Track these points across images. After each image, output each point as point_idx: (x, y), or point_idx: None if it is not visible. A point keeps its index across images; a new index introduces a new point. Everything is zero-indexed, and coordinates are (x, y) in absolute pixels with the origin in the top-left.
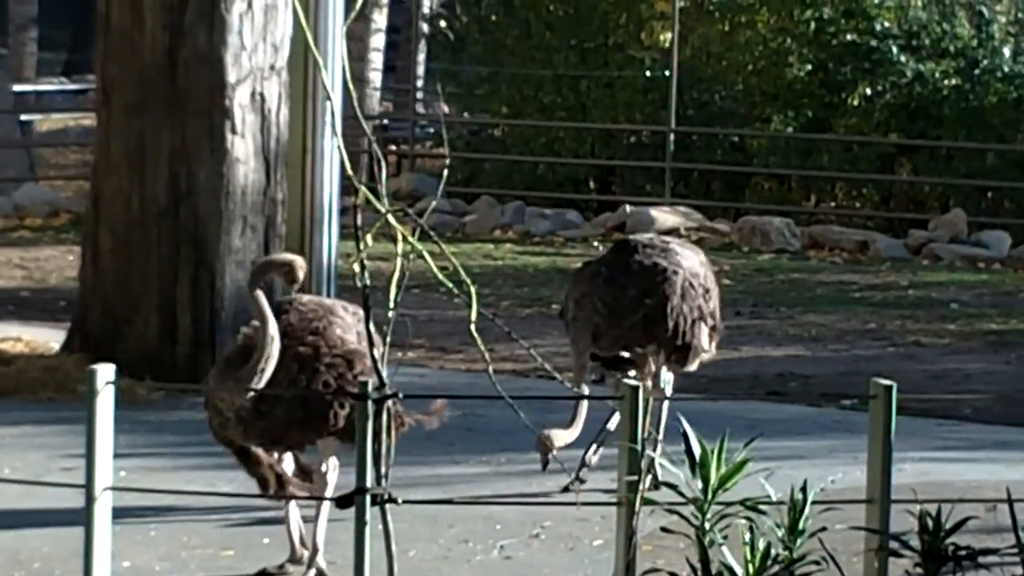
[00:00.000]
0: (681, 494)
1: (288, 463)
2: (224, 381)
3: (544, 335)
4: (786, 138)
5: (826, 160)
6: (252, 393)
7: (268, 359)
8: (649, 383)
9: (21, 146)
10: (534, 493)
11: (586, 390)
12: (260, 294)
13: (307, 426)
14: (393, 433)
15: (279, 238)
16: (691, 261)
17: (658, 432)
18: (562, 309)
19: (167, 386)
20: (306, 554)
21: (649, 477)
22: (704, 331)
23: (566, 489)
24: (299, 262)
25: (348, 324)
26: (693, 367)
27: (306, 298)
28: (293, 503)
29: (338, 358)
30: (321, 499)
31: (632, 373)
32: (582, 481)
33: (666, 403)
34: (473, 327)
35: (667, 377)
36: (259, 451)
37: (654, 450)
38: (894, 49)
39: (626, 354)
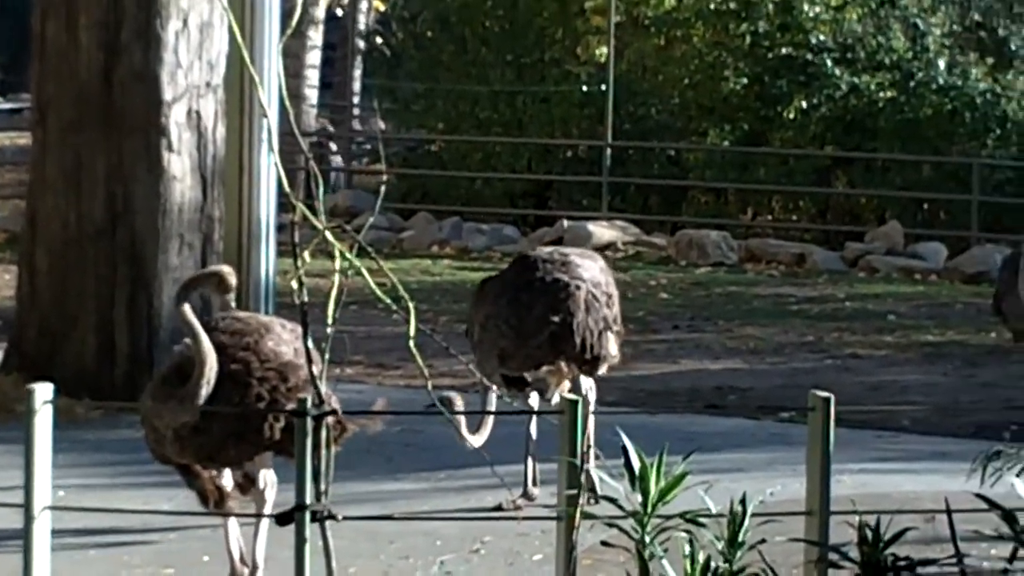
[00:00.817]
0: (621, 508)
1: (227, 478)
2: (161, 399)
3: None
4: (722, 151)
5: (762, 173)
6: (196, 412)
7: (208, 372)
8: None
9: None
10: (474, 508)
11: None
12: (187, 308)
13: (243, 441)
14: (336, 441)
15: (216, 255)
16: (591, 271)
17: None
18: (467, 329)
19: (105, 405)
20: (246, 571)
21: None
22: (611, 339)
23: (499, 508)
24: (226, 271)
25: (283, 339)
26: (602, 372)
27: (242, 315)
28: (232, 519)
29: (271, 371)
30: (260, 516)
31: (533, 392)
32: (531, 498)
33: (592, 418)
34: (412, 343)
35: (588, 383)
36: (197, 467)
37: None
38: (829, 62)
39: (536, 372)
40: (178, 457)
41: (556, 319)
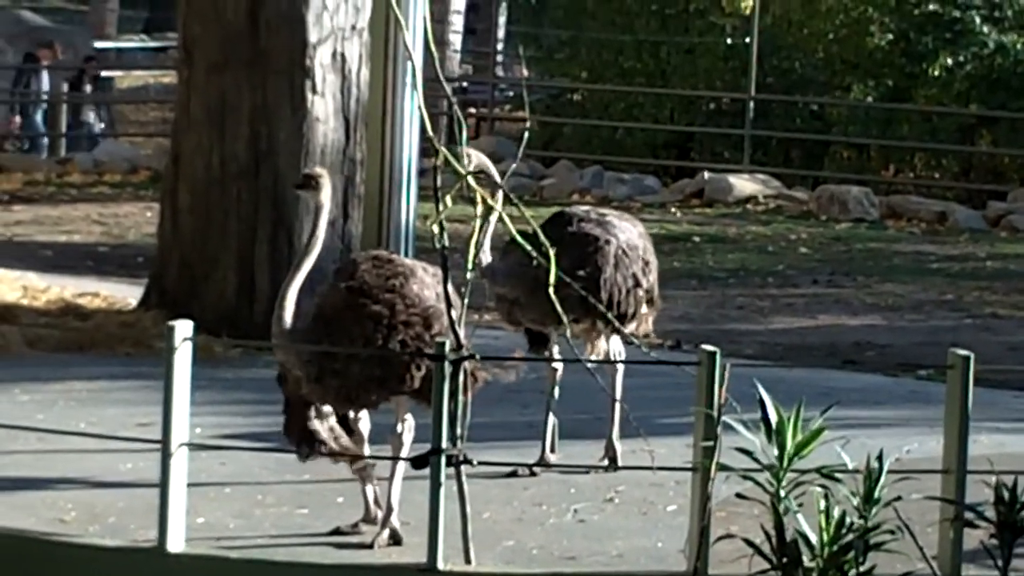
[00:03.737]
0: (757, 460)
1: (365, 420)
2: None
3: None
4: (866, 107)
5: (906, 130)
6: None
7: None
8: (597, 353)
9: (101, 102)
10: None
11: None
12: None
13: (383, 385)
14: (470, 390)
15: (358, 198)
16: (628, 233)
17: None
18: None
19: (244, 343)
20: (380, 514)
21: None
22: (641, 300)
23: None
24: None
25: (427, 283)
26: (631, 329)
27: (384, 254)
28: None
29: (415, 316)
30: (397, 459)
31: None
32: (547, 464)
33: (619, 374)
34: (551, 288)
35: (617, 347)
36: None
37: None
38: (976, 20)
39: (559, 328)
40: (318, 399)
41: (583, 273)
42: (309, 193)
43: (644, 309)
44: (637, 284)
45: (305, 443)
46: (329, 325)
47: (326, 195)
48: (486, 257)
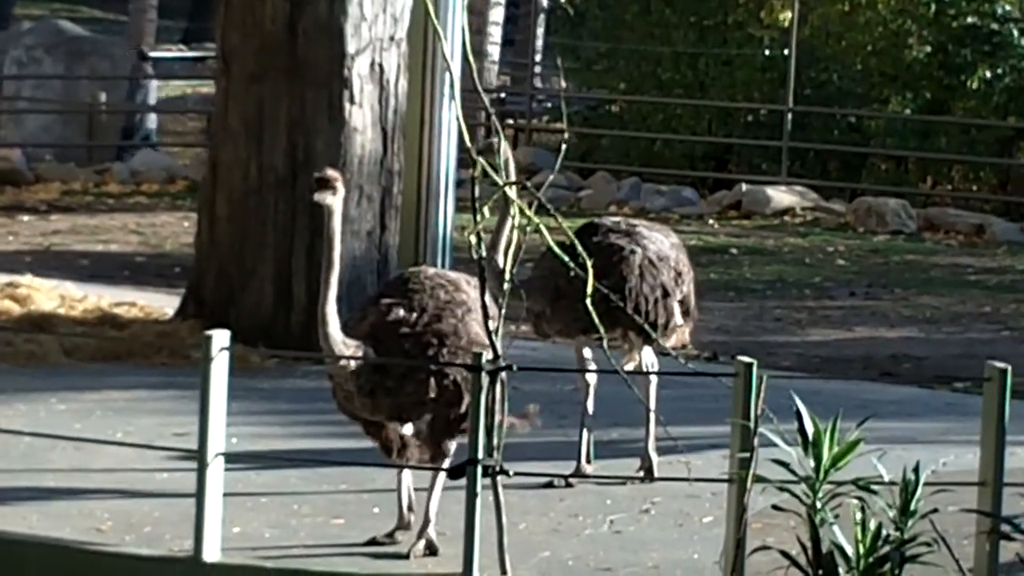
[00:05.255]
0: (793, 472)
1: (408, 427)
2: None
3: None
4: (904, 119)
5: (944, 142)
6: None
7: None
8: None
9: (140, 111)
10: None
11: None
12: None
13: (435, 403)
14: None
15: (395, 209)
16: (659, 244)
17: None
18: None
19: (281, 353)
20: (413, 519)
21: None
22: (674, 307)
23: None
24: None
25: (475, 306)
26: (671, 342)
27: (431, 272)
28: (406, 471)
29: (468, 347)
30: (435, 469)
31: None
32: (584, 475)
33: (653, 385)
34: (588, 300)
35: (650, 359)
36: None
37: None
38: (1015, 32)
39: (588, 339)
40: (369, 414)
41: (607, 283)
42: (324, 195)
43: (679, 320)
44: (666, 294)
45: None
46: (380, 345)
47: (339, 199)
48: (500, 258)
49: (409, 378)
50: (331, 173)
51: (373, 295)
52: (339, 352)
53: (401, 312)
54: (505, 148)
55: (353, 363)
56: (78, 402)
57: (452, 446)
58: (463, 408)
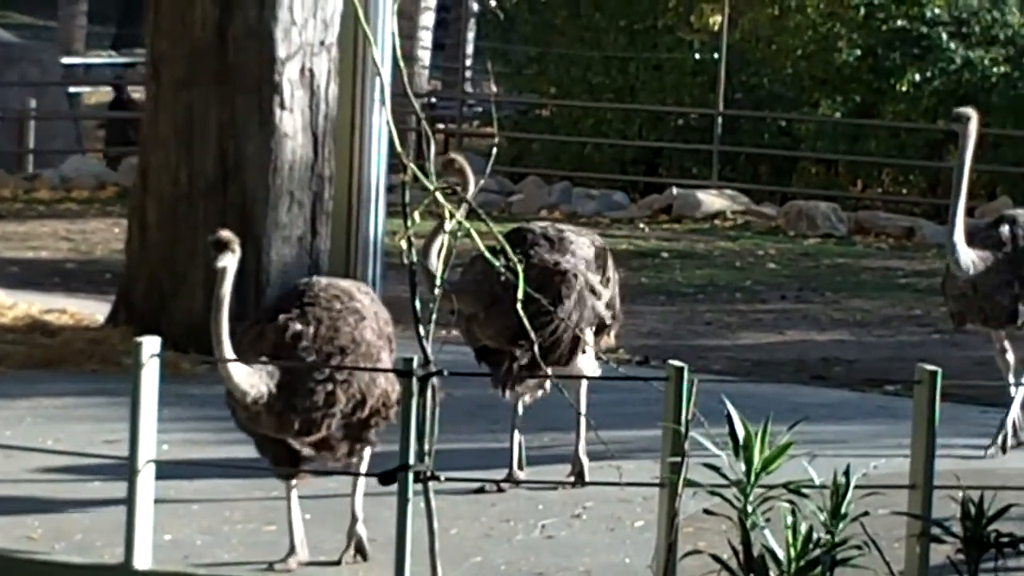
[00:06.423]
0: (724, 476)
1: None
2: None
3: None
4: (834, 123)
5: (874, 146)
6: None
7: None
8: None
9: (69, 118)
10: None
11: None
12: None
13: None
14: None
15: (326, 214)
16: (585, 250)
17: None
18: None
19: (212, 359)
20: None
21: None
22: (588, 335)
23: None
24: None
25: (369, 314)
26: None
27: (324, 282)
28: (295, 492)
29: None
30: (365, 475)
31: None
32: (516, 481)
33: (584, 389)
34: (519, 305)
35: (588, 363)
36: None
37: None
38: (944, 36)
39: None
40: (275, 432)
41: (545, 299)
42: (224, 256)
43: (589, 345)
44: (592, 324)
45: None
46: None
47: (236, 259)
48: (433, 261)
49: (316, 392)
50: (226, 235)
51: (267, 307)
52: (254, 389)
53: (299, 326)
54: (463, 164)
55: (266, 395)
56: (8, 409)
57: (367, 450)
58: (367, 411)
